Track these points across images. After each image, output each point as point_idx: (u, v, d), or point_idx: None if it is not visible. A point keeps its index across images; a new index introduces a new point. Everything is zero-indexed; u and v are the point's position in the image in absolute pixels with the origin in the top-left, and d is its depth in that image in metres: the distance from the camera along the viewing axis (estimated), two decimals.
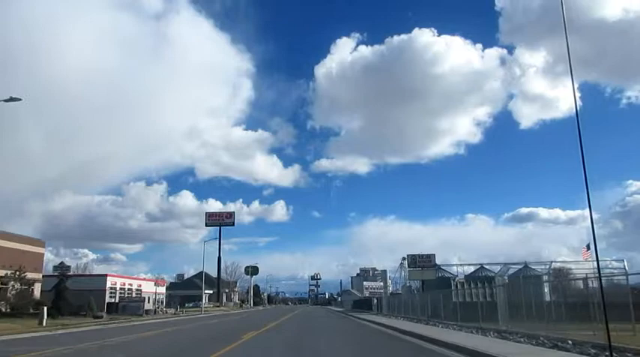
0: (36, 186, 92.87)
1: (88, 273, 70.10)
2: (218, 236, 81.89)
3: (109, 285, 57.66)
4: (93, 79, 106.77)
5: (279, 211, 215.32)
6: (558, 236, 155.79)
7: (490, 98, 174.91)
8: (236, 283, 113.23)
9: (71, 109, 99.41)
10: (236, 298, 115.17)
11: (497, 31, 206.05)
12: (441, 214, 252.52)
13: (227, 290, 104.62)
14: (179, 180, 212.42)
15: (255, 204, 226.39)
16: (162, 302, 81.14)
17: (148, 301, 72.42)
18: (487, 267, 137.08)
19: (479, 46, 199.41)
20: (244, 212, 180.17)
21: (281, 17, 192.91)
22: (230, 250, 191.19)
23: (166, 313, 61.29)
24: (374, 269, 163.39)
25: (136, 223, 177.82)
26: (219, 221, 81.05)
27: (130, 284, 65.20)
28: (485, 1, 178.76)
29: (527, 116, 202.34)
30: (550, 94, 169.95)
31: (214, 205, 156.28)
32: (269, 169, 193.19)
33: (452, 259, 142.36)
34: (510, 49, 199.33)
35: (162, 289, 79.44)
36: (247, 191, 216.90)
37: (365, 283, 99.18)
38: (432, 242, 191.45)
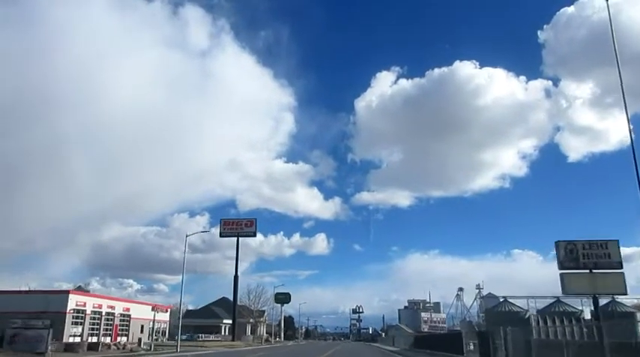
0: (85, 217, 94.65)
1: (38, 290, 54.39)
2: (236, 249, 65.10)
3: (72, 306, 41.91)
4: (139, 115, 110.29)
5: (320, 243, 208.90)
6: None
7: (535, 130, 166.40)
8: (263, 312, 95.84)
9: (118, 143, 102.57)
10: (263, 331, 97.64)
11: (541, 63, 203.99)
12: (487, 249, 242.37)
13: (252, 320, 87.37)
14: (221, 212, 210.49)
15: (296, 236, 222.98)
16: (162, 332, 64.86)
17: (141, 331, 56.56)
18: (565, 301, 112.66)
19: (522, 78, 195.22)
20: (285, 245, 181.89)
21: (322, 52, 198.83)
22: (271, 282, 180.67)
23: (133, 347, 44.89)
24: (424, 301, 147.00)
25: (179, 254, 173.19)
26: (237, 230, 64.32)
27: (111, 307, 49.39)
28: (528, 34, 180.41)
29: (576, 149, 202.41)
30: (599, 126, 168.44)
31: (256, 238, 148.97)
32: (310, 202, 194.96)
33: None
34: (555, 81, 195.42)
35: (164, 316, 63.38)
36: (288, 223, 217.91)
37: (423, 314, 79.17)
38: (478, 278, 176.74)
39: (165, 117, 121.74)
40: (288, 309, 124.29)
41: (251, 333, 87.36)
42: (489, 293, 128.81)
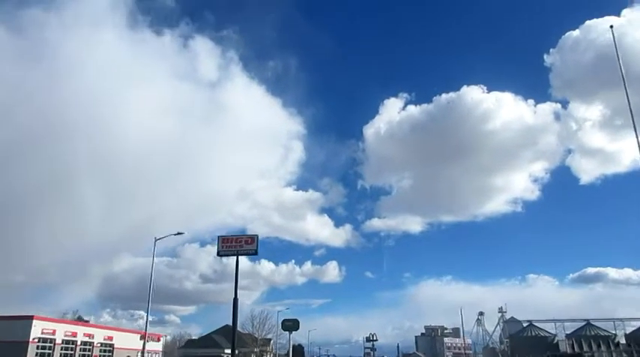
0: (96, 248, 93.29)
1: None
2: (235, 268, 58.00)
3: (36, 334, 35.67)
4: (150, 146, 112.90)
5: (332, 271, 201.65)
6: (631, 298, 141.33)
7: (546, 154, 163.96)
8: (269, 341, 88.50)
9: (128, 174, 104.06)
10: None
11: (548, 87, 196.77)
12: (501, 275, 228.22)
13: (256, 350, 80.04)
14: None
15: (308, 265, 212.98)
16: None
17: None
18: (596, 324, 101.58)
19: (530, 101, 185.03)
20: (297, 273, 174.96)
21: (330, 80, 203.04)
22: (282, 312, 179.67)
23: None
24: (442, 327, 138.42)
25: (190, 285, 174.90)
26: (237, 248, 57.13)
27: (89, 335, 43.02)
28: (534, 58, 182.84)
29: (587, 171, 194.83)
30: (610, 148, 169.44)
31: (267, 266, 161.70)
32: (320, 229, 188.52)
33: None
34: (564, 104, 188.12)
35: (156, 346, 56.88)
36: (299, 252, 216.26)
37: (447, 340, 70.25)
38: (493, 303, 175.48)
39: (175, 147, 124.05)
40: (299, 337, 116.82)
41: None
42: (511, 317, 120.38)
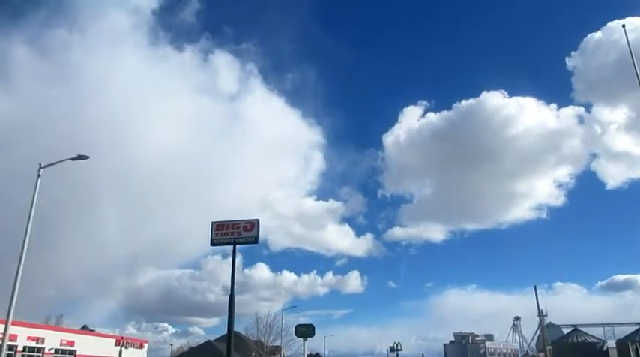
0: (121, 262, 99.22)
1: None
2: (232, 259, 49.06)
3: None
4: (172, 159, 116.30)
5: (354, 281, 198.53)
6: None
7: (570, 158, 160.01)
8: (279, 349, 78.87)
9: (152, 188, 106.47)
10: None
11: (571, 90, 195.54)
12: (526, 283, 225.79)
13: None
14: (253, 252, 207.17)
15: (329, 275, 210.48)
16: None
17: None
18: None
19: (553, 105, 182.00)
20: (318, 283, 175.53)
21: (348, 90, 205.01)
22: (305, 322, 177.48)
23: None
24: (473, 334, 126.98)
25: (213, 297, 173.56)
26: (233, 236, 45.07)
27: (37, 339, 33.95)
28: (555, 61, 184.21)
29: (614, 176, 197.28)
30: (636, 151, 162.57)
31: (288, 277, 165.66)
32: (341, 239, 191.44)
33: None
34: (587, 107, 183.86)
35: (139, 353, 47.74)
36: (321, 262, 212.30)
37: (489, 345, 57.72)
38: (519, 312, 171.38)
39: (197, 160, 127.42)
40: (317, 346, 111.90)
41: None
42: (549, 323, 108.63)
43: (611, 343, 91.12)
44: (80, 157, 27.03)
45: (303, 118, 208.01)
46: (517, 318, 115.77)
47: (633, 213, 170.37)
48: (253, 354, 65.87)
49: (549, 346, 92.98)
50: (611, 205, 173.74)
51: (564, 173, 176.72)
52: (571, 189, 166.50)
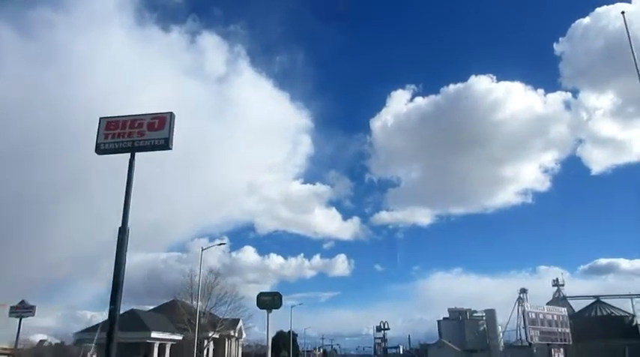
0: (108, 244, 76.51)
1: None
2: (128, 169, 31.73)
3: None
4: None
5: (341, 265, 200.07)
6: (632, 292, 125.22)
7: (556, 144, 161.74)
8: (237, 323, 61.54)
9: (139, 172, 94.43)
10: (235, 352, 63.04)
11: (558, 76, 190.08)
12: (511, 266, 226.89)
13: (210, 334, 53.22)
14: (240, 235, 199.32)
15: (316, 258, 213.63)
16: None
17: None
18: None
19: (540, 91, 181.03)
20: (306, 266, 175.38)
21: (337, 73, 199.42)
22: (292, 305, 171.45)
23: None
24: (470, 310, 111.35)
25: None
26: (132, 138, 23.78)
27: None
28: (544, 47, 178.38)
29: (599, 161, 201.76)
30: (622, 137, 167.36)
31: (276, 260, 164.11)
32: (329, 223, 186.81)
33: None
34: (574, 93, 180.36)
35: None
36: (308, 245, 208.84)
37: (530, 309, 36.06)
38: (503, 295, 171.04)
39: (184, 143, 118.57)
40: (297, 326, 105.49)
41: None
42: (563, 296, 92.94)
43: None
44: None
45: (292, 101, 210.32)
46: (523, 290, 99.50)
47: (617, 198, 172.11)
48: (211, 334, 48.62)
49: (570, 321, 77.46)
50: (596, 190, 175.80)
51: (550, 158, 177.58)
52: (556, 174, 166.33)
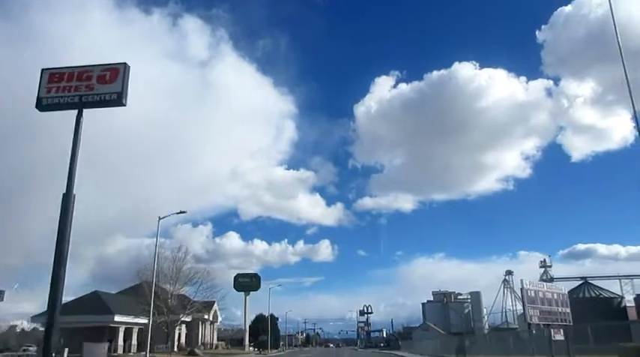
0: (89, 230, 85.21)
1: None
2: (75, 126, 28.22)
3: None
4: (140, 127, 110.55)
5: (325, 250, 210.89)
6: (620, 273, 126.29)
7: (538, 131, 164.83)
8: (211, 306, 57.94)
9: (121, 156, 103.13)
10: (210, 336, 59.63)
11: (540, 64, 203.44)
12: (492, 252, 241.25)
13: (180, 317, 49.59)
14: (224, 221, 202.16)
15: (300, 244, 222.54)
16: None
17: None
18: None
19: (523, 78, 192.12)
20: (289, 252, 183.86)
21: (321, 59, 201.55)
22: (276, 290, 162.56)
23: None
24: (455, 293, 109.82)
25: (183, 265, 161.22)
26: (80, 92, 20.49)
27: None
28: (526, 34, 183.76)
29: (579, 148, 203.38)
30: (601, 125, 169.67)
31: (260, 246, 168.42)
32: (312, 208, 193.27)
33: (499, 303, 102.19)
34: (556, 81, 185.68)
35: None
36: (291, 231, 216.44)
37: (528, 286, 31.65)
38: (485, 281, 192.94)
39: (167, 128, 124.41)
40: (280, 311, 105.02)
41: (186, 339, 49.47)
42: (551, 277, 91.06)
43: (629, 301, 75.07)
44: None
45: (275, 86, 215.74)
46: (509, 272, 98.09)
47: (595, 185, 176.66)
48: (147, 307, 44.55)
49: None
50: (575, 177, 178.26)
51: (531, 145, 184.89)
52: (537, 161, 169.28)
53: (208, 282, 49.39)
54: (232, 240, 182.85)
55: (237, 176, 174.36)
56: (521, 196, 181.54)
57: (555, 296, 29.35)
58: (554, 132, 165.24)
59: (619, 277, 78.37)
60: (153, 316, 45.62)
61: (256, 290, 67.12)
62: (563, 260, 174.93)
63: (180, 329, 54.46)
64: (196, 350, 45.23)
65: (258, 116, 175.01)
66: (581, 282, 78.42)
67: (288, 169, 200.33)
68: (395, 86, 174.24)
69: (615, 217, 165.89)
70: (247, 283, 66.14)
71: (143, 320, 49.16)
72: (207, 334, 61.88)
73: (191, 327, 56.80)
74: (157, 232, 30.15)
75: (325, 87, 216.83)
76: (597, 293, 74.93)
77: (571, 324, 29.11)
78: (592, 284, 77.06)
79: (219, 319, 66.57)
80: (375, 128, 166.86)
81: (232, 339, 75.42)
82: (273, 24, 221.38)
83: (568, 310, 29.56)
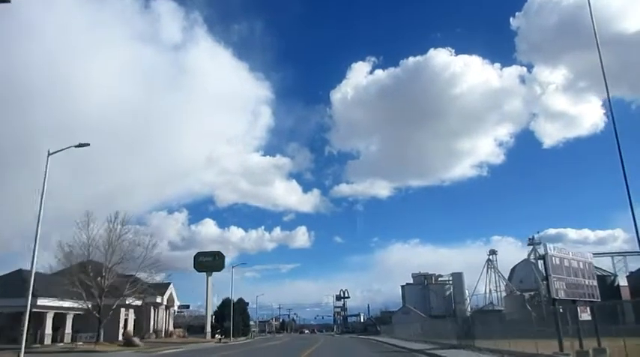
0: (63, 217, 78.35)
1: None
2: None
3: None
4: (114, 111, 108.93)
5: (301, 237, 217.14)
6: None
7: (511, 117, 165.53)
8: (165, 289, 50.60)
9: (94, 141, 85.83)
10: (165, 322, 52.37)
11: (514, 50, 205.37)
12: (466, 237, 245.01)
13: (115, 302, 42.10)
14: (200, 208, 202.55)
15: (277, 230, 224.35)
16: None
17: None
18: None
19: (497, 65, 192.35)
20: (266, 239, 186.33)
21: (297, 44, 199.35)
22: (253, 277, 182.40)
23: None
24: (436, 275, 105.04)
25: (156, 252, 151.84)
26: None
27: None
28: (501, 21, 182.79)
29: (550, 135, 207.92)
30: (572, 112, 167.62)
31: (236, 233, 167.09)
32: (289, 195, 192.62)
33: (480, 285, 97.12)
34: (529, 68, 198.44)
35: None
36: (268, 217, 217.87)
37: (554, 252, 24.74)
38: (459, 265, 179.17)
39: (140, 113, 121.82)
40: (246, 294, 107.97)
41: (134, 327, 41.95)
42: (533, 253, 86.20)
43: (622, 280, 71.21)
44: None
45: (251, 71, 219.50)
46: (493, 252, 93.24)
47: (566, 171, 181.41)
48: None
49: (544, 282, 70.45)
50: (547, 163, 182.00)
51: (505, 132, 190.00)
52: (510, 147, 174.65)
53: (154, 259, 41.39)
54: (208, 227, 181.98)
55: (213, 162, 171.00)
56: (495, 182, 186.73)
57: (582, 265, 22.97)
58: (527, 118, 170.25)
59: (612, 255, 73.73)
60: (82, 299, 38.07)
61: (219, 270, 59.97)
62: (536, 245, 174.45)
63: (127, 315, 47.05)
64: (135, 339, 37.91)
65: (234, 102, 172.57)
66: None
67: (264, 155, 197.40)
68: (371, 72, 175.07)
69: (585, 203, 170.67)
70: (209, 262, 58.98)
71: (76, 304, 41.37)
72: (161, 320, 54.51)
73: (141, 312, 49.47)
74: (46, 170, 22.94)
75: (302, 72, 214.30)
76: None
77: (599, 299, 22.86)
78: None
79: (177, 303, 59.40)
80: (352, 114, 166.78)
81: (193, 326, 68.38)
82: (248, 8, 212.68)
83: (595, 282, 23.20)
